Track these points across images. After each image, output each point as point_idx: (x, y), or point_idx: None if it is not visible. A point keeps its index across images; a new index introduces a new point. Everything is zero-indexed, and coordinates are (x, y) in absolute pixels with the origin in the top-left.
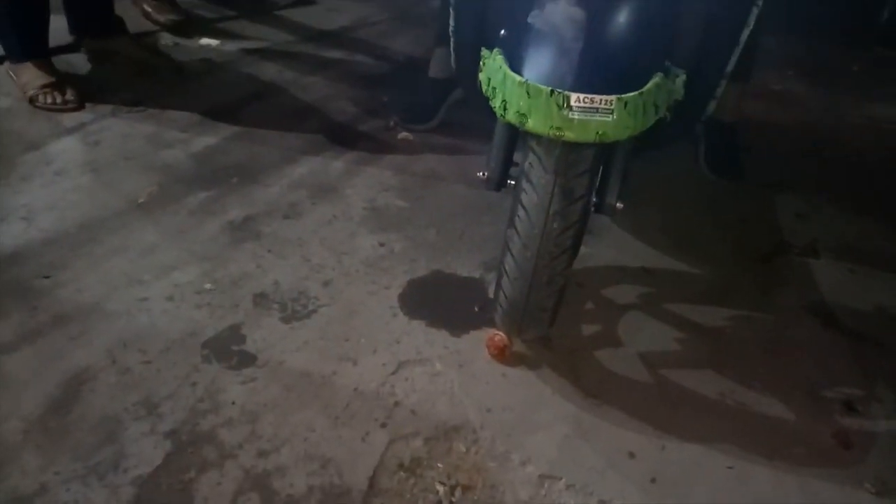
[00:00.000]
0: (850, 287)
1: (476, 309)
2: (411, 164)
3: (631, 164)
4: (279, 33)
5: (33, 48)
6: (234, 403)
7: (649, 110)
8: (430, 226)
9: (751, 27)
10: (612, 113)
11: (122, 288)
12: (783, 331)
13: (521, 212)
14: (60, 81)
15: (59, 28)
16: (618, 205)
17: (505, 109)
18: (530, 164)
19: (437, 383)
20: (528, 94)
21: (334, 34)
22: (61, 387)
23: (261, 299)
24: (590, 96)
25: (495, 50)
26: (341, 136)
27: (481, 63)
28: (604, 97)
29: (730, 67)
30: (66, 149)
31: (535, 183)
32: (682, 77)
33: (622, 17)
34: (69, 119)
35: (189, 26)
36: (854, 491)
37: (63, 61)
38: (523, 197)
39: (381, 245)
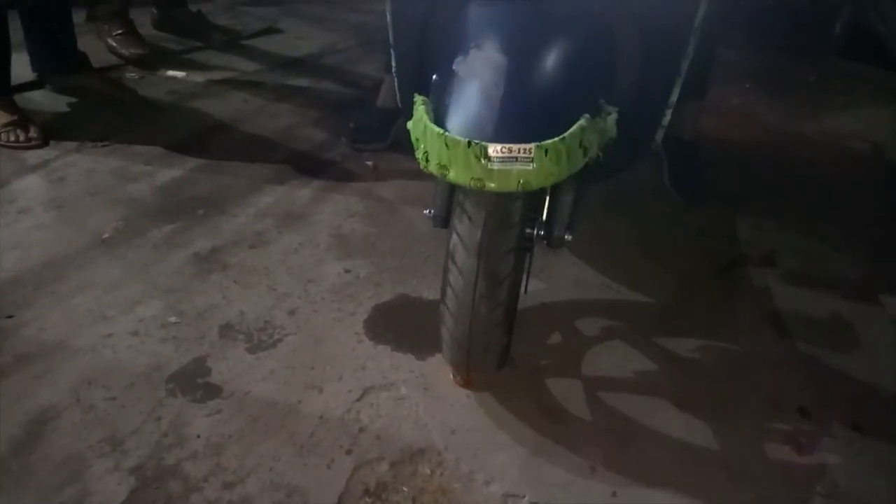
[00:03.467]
0: (806, 296)
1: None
2: (377, 189)
3: (580, 195)
4: (246, 63)
5: None
6: (199, 436)
7: (575, 154)
8: (396, 251)
9: (690, 56)
10: (531, 161)
11: (87, 325)
12: (739, 341)
13: (448, 291)
14: (23, 119)
15: (21, 65)
16: (566, 237)
17: (427, 161)
18: (457, 223)
19: (402, 407)
20: (446, 145)
21: (301, 62)
22: (24, 427)
23: (226, 330)
24: (508, 146)
25: (419, 98)
26: (308, 164)
27: (414, 108)
28: (522, 146)
29: (673, 97)
30: (30, 186)
31: (461, 266)
32: (614, 115)
33: (546, 62)
34: (33, 156)
35: (154, 59)
36: (806, 494)
37: (26, 98)
38: (450, 277)
39: (347, 271)
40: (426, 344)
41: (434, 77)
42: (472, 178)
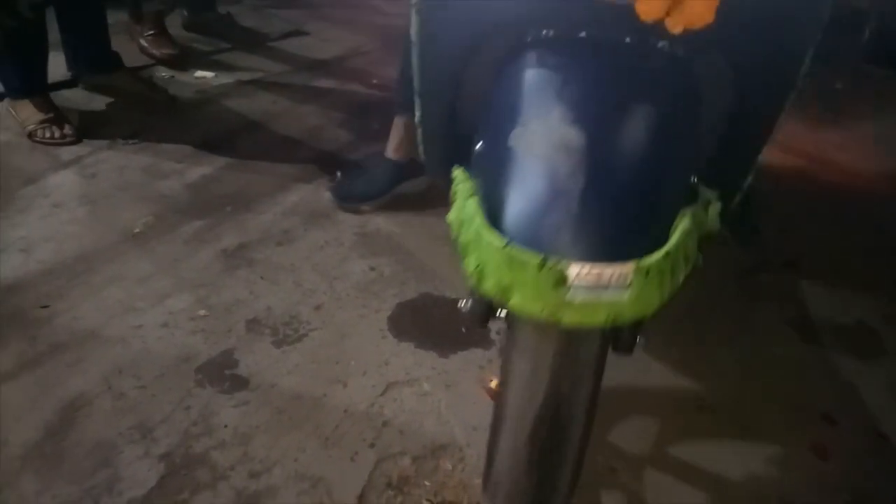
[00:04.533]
0: (831, 302)
1: (463, 330)
2: (402, 189)
3: None
4: (273, 64)
5: (32, 84)
6: (226, 426)
7: (679, 268)
8: (419, 250)
9: (787, 111)
10: (628, 288)
11: (118, 316)
12: (764, 345)
13: (501, 445)
14: (58, 116)
15: (57, 63)
16: (640, 340)
17: (482, 278)
18: (515, 360)
19: (424, 403)
20: (510, 263)
21: (327, 64)
22: (58, 413)
23: (253, 324)
24: (597, 267)
25: (463, 179)
26: (333, 164)
27: (453, 188)
28: (616, 268)
29: (761, 155)
30: (64, 182)
31: (518, 418)
32: (716, 204)
33: (635, 138)
34: (67, 153)
35: (184, 60)
36: (830, 500)
37: (61, 96)
38: (504, 429)
39: (372, 269)
40: (449, 342)
41: (479, 145)
42: (544, 309)
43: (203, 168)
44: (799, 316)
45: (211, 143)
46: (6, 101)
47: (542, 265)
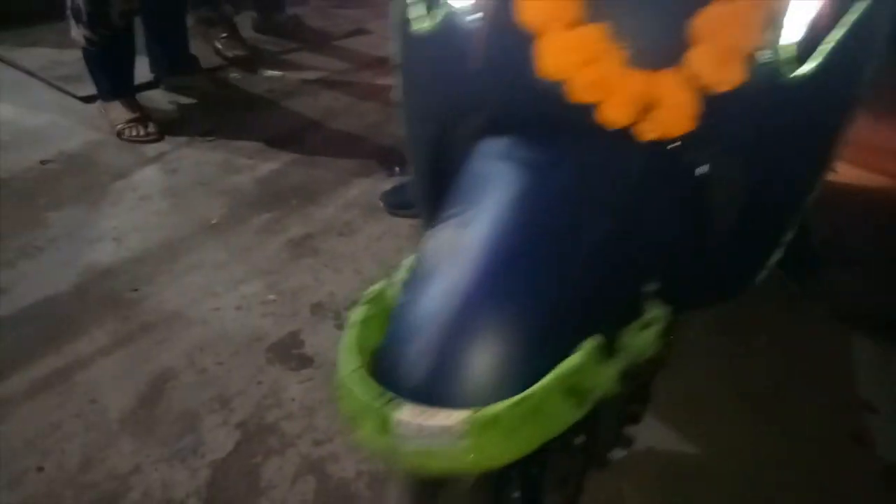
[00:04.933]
0: (879, 294)
1: None
2: None
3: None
4: (337, 63)
5: (121, 87)
6: (293, 400)
7: (554, 412)
8: None
9: (819, 184)
10: (461, 437)
11: (199, 299)
12: (809, 336)
13: None
14: (143, 116)
15: (141, 67)
16: (616, 453)
17: (342, 400)
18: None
19: None
20: (353, 389)
21: (388, 61)
22: (149, 384)
23: (317, 308)
24: (421, 414)
25: (387, 282)
26: (392, 159)
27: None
28: (442, 417)
29: (791, 233)
30: (149, 176)
31: None
32: (657, 323)
33: (540, 258)
34: (151, 149)
35: (255, 60)
36: (863, 483)
37: (145, 97)
38: None
39: None
40: None
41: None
42: (380, 450)
43: (271, 163)
44: (847, 308)
45: (279, 140)
46: (98, 103)
47: (369, 404)
